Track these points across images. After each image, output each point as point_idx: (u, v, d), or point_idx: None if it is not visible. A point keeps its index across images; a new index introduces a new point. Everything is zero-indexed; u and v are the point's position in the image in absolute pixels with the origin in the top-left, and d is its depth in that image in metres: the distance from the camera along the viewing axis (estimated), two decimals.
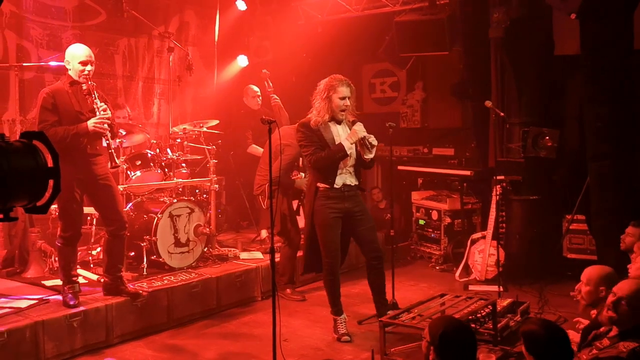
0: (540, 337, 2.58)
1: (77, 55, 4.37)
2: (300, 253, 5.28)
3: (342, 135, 4.46)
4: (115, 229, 4.55)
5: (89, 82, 4.34)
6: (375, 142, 4.41)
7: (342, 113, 4.43)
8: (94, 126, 4.27)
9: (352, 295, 5.71)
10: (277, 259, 5.54)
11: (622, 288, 3.07)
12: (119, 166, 4.75)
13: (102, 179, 4.48)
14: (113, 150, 4.40)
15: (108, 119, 4.35)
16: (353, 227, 4.57)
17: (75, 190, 4.39)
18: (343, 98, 4.38)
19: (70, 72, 4.41)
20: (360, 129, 4.36)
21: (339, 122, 4.49)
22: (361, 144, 4.39)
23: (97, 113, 4.32)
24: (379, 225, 5.67)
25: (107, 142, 4.38)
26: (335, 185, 4.43)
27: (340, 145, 4.34)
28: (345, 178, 4.48)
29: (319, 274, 4.86)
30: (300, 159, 5.55)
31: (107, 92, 6.87)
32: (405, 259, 7.12)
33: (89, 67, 4.36)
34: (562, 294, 5.48)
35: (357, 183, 4.55)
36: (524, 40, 6.22)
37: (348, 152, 4.34)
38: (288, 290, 5.62)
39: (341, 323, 4.61)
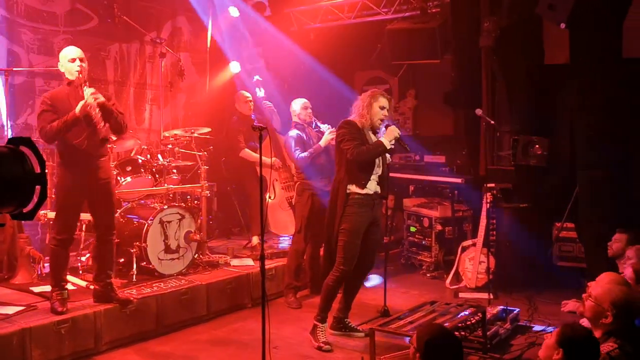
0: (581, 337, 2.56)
1: (65, 54, 4.39)
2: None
3: None
4: (102, 234, 4.54)
5: (79, 76, 4.31)
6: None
7: (380, 121, 4.57)
8: (81, 109, 4.21)
9: (364, 305, 5.52)
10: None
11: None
12: (110, 137, 4.57)
13: (104, 182, 4.48)
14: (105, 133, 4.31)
15: (97, 100, 4.22)
16: (366, 234, 4.61)
17: (76, 195, 4.39)
18: (382, 108, 4.57)
19: (66, 75, 4.41)
20: (395, 130, 4.55)
21: (374, 133, 4.63)
22: (397, 142, 4.61)
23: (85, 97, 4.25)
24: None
25: (99, 125, 4.27)
26: (367, 190, 4.50)
27: (380, 141, 4.48)
28: (375, 185, 4.57)
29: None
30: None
31: None
32: (396, 266, 7.12)
33: (79, 62, 4.34)
34: (552, 302, 5.51)
35: (382, 192, 4.65)
36: (515, 49, 6.27)
37: (388, 147, 4.49)
38: (292, 298, 5.61)
39: (322, 331, 4.63)
